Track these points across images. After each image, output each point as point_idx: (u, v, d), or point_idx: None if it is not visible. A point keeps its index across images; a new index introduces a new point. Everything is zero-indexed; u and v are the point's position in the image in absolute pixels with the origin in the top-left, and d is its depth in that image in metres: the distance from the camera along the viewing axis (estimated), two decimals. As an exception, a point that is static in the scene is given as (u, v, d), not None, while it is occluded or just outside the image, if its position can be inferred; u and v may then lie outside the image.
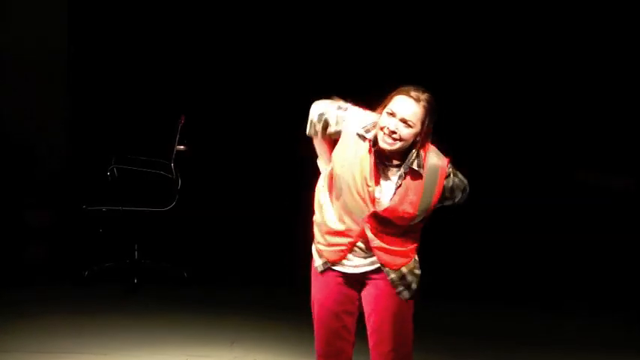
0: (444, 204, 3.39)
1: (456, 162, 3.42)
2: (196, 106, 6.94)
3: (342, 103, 3.45)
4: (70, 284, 6.06)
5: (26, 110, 7.36)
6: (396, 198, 3.29)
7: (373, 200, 3.29)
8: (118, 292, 5.94)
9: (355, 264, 3.38)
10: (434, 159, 3.32)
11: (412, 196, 3.28)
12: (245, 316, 5.49)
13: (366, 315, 3.45)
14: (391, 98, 3.29)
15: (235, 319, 5.44)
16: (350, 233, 3.35)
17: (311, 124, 3.46)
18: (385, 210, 3.28)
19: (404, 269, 3.36)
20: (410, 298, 3.38)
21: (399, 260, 3.35)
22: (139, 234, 6.21)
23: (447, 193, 3.35)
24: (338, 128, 3.39)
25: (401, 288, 3.37)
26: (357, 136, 3.33)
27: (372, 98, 3.41)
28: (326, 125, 3.41)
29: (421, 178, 3.29)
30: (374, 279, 3.39)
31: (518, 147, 7.62)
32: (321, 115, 3.42)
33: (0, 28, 7.32)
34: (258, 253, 6.87)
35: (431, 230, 3.52)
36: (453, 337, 5.32)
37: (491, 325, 5.63)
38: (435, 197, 3.31)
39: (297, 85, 7.21)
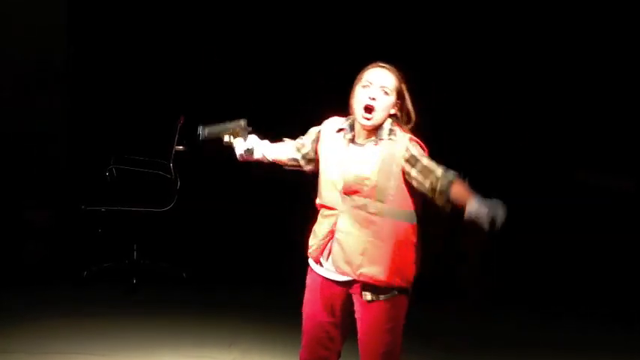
0: (413, 175, 3.26)
1: (457, 162, 3.39)
2: (195, 107, 6.92)
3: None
4: (69, 284, 6.05)
5: (25, 110, 7.36)
6: (355, 160, 3.29)
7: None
8: (116, 292, 5.94)
9: (342, 270, 3.33)
10: (400, 135, 3.30)
11: (371, 159, 3.26)
12: (244, 317, 5.49)
13: (357, 323, 3.43)
14: (360, 77, 3.32)
15: (234, 321, 5.44)
16: (328, 225, 3.34)
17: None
18: (345, 178, 3.27)
19: (378, 287, 3.30)
20: (371, 301, 3.31)
21: (350, 267, 3.28)
22: (138, 234, 6.20)
23: (408, 156, 3.25)
24: (313, 137, 3.47)
25: (368, 292, 3.31)
26: (330, 135, 3.37)
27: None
28: (305, 148, 3.51)
29: (389, 145, 3.26)
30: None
31: (518, 147, 7.61)
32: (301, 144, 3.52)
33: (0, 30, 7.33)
34: (257, 253, 6.86)
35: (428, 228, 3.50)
36: (441, 338, 5.31)
37: (487, 326, 5.62)
38: (397, 164, 3.24)
39: (297, 84, 7.21)
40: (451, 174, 3.23)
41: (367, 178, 3.25)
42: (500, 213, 3.02)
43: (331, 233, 3.33)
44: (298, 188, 3.61)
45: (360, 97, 3.28)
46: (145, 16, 7.55)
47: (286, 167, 3.60)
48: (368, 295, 3.32)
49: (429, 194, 3.24)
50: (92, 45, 7.60)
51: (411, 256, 3.33)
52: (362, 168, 3.26)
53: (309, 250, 3.43)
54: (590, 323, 5.73)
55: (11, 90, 7.35)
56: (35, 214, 7.30)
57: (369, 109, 3.25)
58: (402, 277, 3.31)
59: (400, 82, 3.31)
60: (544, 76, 7.50)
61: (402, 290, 3.33)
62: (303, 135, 3.55)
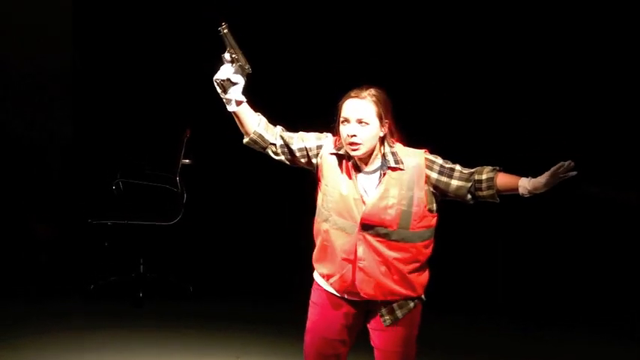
0: (441, 187, 3.28)
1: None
2: (202, 120, 6.94)
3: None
4: (76, 298, 6.05)
5: (31, 123, 7.39)
6: (376, 194, 3.26)
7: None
8: (123, 305, 5.93)
9: (370, 294, 3.33)
10: (409, 155, 3.30)
11: (392, 190, 3.24)
12: (251, 330, 5.48)
13: (371, 333, 3.44)
14: (340, 108, 3.30)
15: (241, 334, 5.42)
16: (341, 253, 3.30)
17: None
18: (366, 211, 3.24)
19: (394, 305, 3.34)
20: (390, 325, 3.34)
21: (379, 291, 3.29)
22: (145, 248, 6.20)
23: (434, 174, 3.28)
24: (318, 143, 3.39)
25: (384, 312, 3.35)
26: (332, 156, 3.34)
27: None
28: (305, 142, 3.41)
29: (400, 172, 3.25)
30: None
31: (523, 156, 7.57)
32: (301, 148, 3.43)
33: (5, 40, 7.35)
34: (264, 267, 6.85)
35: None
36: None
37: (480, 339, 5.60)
38: (419, 188, 3.25)
39: (303, 97, 7.20)
40: (489, 167, 3.28)
41: (390, 208, 3.24)
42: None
43: (349, 262, 3.30)
44: (307, 201, 3.59)
45: (342, 134, 3.27)
46: (151, 28, 7.55)
47: (250, 143, 3.42)
48: (387, 320, 3.34)
49: (470, 194, 3.27)
50: (98, 57, 7.62)
51: (426, 266, 3.38)
52: (383, 199, 3.25)
53: (330, 281, 3.37)
54: (593, 339, 5.69)
55: (17, 101, 7.38)
56: (41, 228, 7.32)
57: (352, 145, 3.24)
58: (420, 287, 3.36)
59: (379, 105, 3.26)
60: (550, 87, 7.47)
61: (417, 298, 3.36)
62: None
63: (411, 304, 3.34)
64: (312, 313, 3.46)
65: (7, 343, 5.11)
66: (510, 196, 3.26)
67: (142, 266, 6.16)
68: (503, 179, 3.24)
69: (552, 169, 3.10)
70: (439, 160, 3.31)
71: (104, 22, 7.60)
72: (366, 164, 3.30)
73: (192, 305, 6.02)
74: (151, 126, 7.36)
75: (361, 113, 3.23)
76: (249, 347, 5.21)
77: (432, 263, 3.41)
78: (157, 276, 6.23)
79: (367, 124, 3.23)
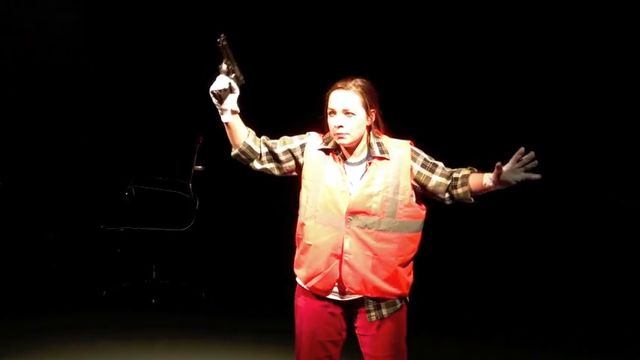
0: (421, 180, 3.30)
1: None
2: (214, 127, 6.94)
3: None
4: (88, 304, 6.06)
5: (44, 125, 7.43)
6: (362, 183, 3.28)
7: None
8: (135, 312, 5.94)
9: (355, 290, 3.33)
10: (394, 146, 3.33)
11: (378, 178, 3.27)
12: (263, 338, 5.47)
13: (360, 339, 3.44)
14: (326, 99, 3.33)
15: (253, 343, 5.42)
16: (327, 249, 3.31)
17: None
18: (352, 200, 3.25)
19: (382, 303, 3.34)
20: (375, 320, 3.34)
21: (364, 286, 3.29)
22: (157, 254, 6.21)
23: (417, 166, 3.30)
24: (301, 142, 3.42)
25: (371, 307, 3.34)
26: (319, 152, 3.36)
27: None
28: (289, 144, 3.44)
29: (386, 161, 3.29)
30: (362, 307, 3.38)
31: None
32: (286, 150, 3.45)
33: (20, 50, 7.39)
34: (277, 274, 6.83)
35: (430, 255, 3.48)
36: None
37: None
38: (404, 177, 3.28)
39: (314, 104, 7.20)
40: (465, 168, 3.29)
41: (376, 195, 3.26)
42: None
43: (336, 257, 3.31)
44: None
45: (329, 125, 3.31)
46: (163, 37, 7.58)
47: (239, 154, 3.45)
48: (373, 316, 3.35)
49: (448, 192, 3.29)
50: (112, 62, 7.65)
51: (412, 264, 3.39)
52: (368, 187, 3.27)
53: (310, 284, 3.39)
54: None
55: (33, 109, 7.41)
56: (53, 235, 7.34)
57: (339, 135, 3.28)
58: (406, 285, 3.37)
59: (365, 95, 3.28)
60: (570, 99, 7.44)
61: (403, 299, 3.38)
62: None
63: (398, 304, 3.36)
64: (299, 317, 3.50)
65: (22, 353, 5.11)
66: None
67: (154, 272, 6.17)
68: (475, 177, 3.24)
69: (514, 155, 3.07)
70: (423, 154, 3.35)
71: (118, 29, 7.63)
72: (354, 155, 3.34)
73: (204, 312, 6.02)
74: (164, 132, 7.38)
75: (347, 104, 3.27)
76: (261, 356, 5.20)
77: (428, 272, 3.40)
78: (170, 282, 6.24)
79: (353, 114, 3.27)
